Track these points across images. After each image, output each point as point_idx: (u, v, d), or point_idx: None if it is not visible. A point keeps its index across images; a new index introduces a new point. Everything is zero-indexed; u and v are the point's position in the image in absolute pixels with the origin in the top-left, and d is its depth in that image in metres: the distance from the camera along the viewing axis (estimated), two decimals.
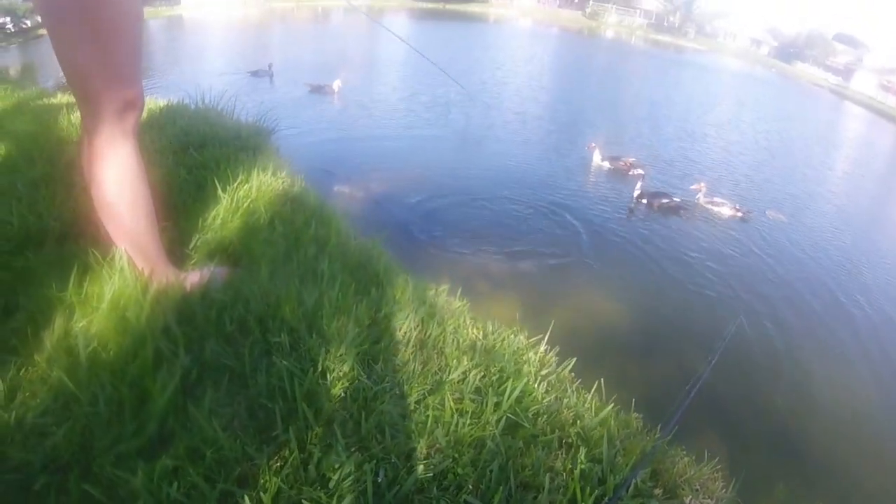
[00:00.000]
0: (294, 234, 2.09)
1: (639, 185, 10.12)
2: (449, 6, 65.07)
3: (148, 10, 25.43)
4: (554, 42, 40.93)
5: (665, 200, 10.10)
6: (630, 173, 11.16)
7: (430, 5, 65.67)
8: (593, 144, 11.68)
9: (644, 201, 10.02)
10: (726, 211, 10.12)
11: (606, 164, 11.47)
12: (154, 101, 4.33)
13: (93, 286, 1.72)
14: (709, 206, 10.14)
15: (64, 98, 6.28)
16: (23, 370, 1.53)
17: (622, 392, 2.08)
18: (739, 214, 10.24)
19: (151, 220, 1.65)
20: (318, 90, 15.34)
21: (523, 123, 14.11)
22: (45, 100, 6.65)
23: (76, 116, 4.37)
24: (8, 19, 63.94)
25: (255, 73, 16.65)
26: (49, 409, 1.40)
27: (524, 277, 6.98)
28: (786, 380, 6.12)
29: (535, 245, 7.87)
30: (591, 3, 65.50)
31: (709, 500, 1.67)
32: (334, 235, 2.17)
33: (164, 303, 1.60)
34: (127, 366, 1.40)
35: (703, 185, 10.39)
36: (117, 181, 1.56)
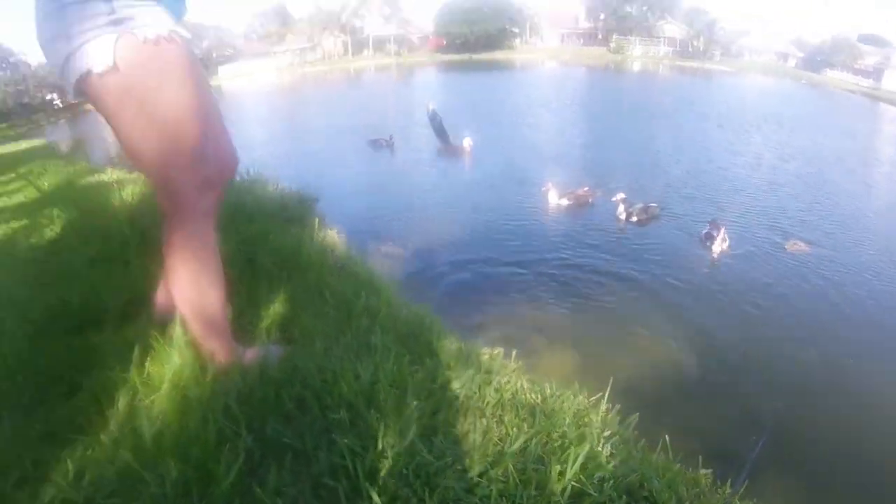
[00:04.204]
0: (345, 305, 2.16)
1: (621, 206, 10.60)
2: (475, 57, 67.09)
3: None
4: (578, 83, 41.35)
5: (640, 206, 10.70)
6: (589, 202, 11.59)
7: (458, 57, 67.80)
8: (549, 185, 11.85)
9: (634, 219, 10.54)
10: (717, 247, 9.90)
11: (565, 201, 11.61)
12: None
13: (154, 366, 1.79)
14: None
15: (114, 174, 6.58)
16: (89, 450, 1.59)
17: (688, 443, 2.06)
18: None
19: (223, 299, 1.74)
20: (451, 151, 15.56)
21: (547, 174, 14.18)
22: (96, 176, 6.96)
23: (127, 193, 4.59)
24: (55, 95, 66.83)
25: (373, 144, 16.88)
26: (117, 490, 1.45)
27: (572, 328, 6.97)
28: (866, 420, 5.86)
29: (573, 293, 7.87)
30: (614, 37, 66.27)
31: None
32: (385, 305, 2.23)
33: (222, 382, 1.65)
34: (191, 447, 1.44)
35: (723, 230, 10.21)
36: (194, 260, 1.66)
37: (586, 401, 2.12)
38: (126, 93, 1.49)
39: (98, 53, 1.43)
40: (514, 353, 2.39)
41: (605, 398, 2.15)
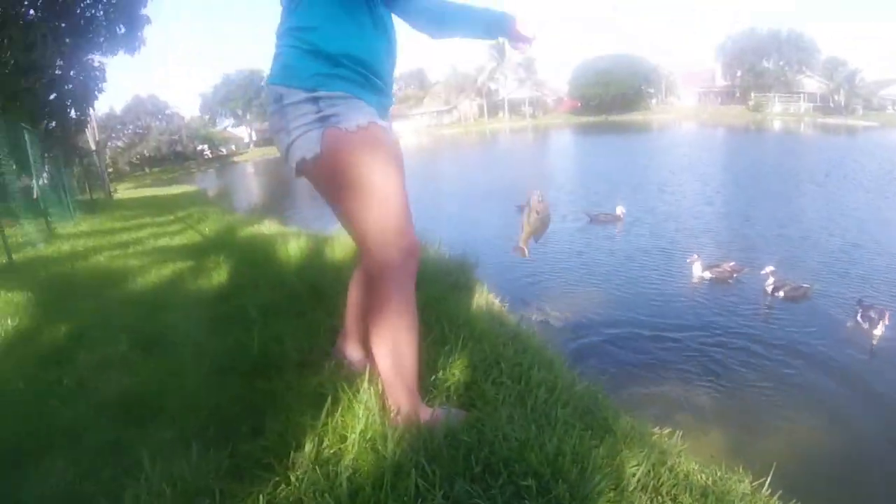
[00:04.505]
0: (522, 376, 2.25)
1: (771, 279, 10.13)
2: (611, 118, 67.21)
3: None
4: (720, 145, 40.17)
5: (791, 285, 10.10)
6: (734, 278, 11.07)
7: (593, 119, 68.12)
8: (695, 256, 11.46)
9: (780, 295, 10.02)
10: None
11: (708, 275, 11.17)
12: None
13: (343, 417, 1.92)
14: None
15: (272, 226, 7.10)
16: (279, 488, 1.71)
17: None
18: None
19: (417, 358, 1.92)
20: (600, 219, 15.91)
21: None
22: (254, 226, 7.53)
23: (292, 247, 4.92)
24: (206, 146, 72.44)
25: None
26: None
27: (720, 406, 6.72)
28: None
29: (719, 370, 7.59)
30: (753, 94, 64.49)
31: None
32: (560, 379, 2.30)
33: (410, 439, 1.75)
34: (387, 497, 1.54)
35: (887, 314, 9.40)
36: (395, 320, 1.86)
37: (749, 485, 2.14)
38: (333, 174, 1.82)
39: (309, 144, 1.77)
40: (679, 433, 2.42)
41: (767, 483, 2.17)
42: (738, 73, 68.81)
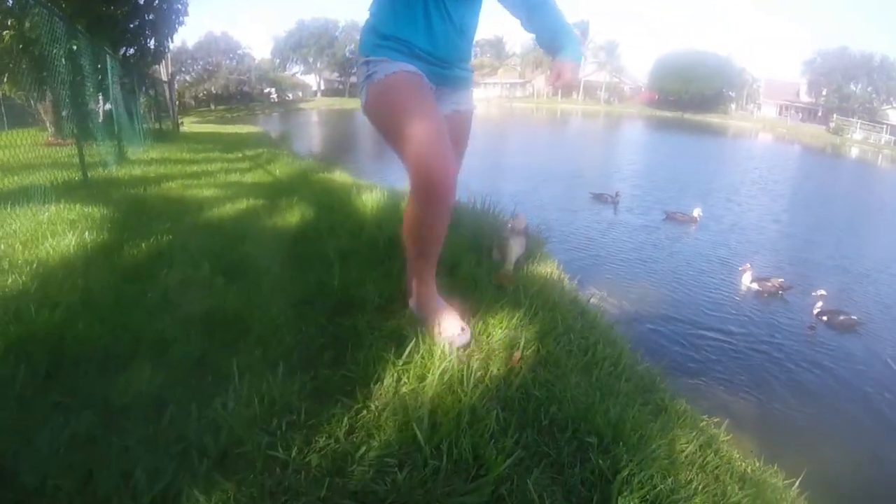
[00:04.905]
0: (588, 349, 2.44)
1: (820, 303, 10.14)
2: (688, 116, 65.83)
3: None
4: (795, 163, 39.17)
5: (843, 317, 10.02)
6: (780, 294, 11.13)
7: (669, 114, 66.78)
8: (747, 266, 11.56)
9: (825, 319, 10.02)
10: None
11: (755, 286, 11.26)
12: None
13: (423, 358, 2.12)
14: None
15: (343, 176, 7.33)
16: (360, 413, 1.91)
17: None
18: None
19: (435, 261, 2.43)
20: (676, 218, 16.05)
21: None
22: (324, 173, 7.76)
23: (367, 198, 5.14)
24: (273, 90, 72.38)
25: (597, 197, 17.31)
26: (389, 451, 1.74)
27: (754, 414, 6.84)
28: None
29: (756, 379, 7.69)
30: (835, 116, 62.39)
31: None
32: (624, 358, 2.48)
33: (484, 388, 1.96)
34: (463, 433, 1.73)
35: None
36: (414, 231, 2.31)
37: (782, 482, 2.32)
38: (375, 117, 2.30)
39: (363, 96, 2.28)
40: (725, 423, 2.59)
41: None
42: (824, 92, 66.81)
